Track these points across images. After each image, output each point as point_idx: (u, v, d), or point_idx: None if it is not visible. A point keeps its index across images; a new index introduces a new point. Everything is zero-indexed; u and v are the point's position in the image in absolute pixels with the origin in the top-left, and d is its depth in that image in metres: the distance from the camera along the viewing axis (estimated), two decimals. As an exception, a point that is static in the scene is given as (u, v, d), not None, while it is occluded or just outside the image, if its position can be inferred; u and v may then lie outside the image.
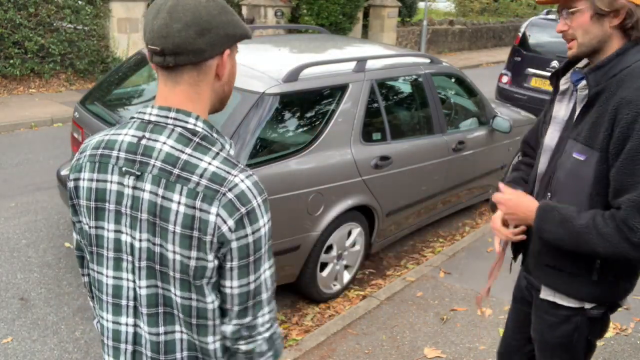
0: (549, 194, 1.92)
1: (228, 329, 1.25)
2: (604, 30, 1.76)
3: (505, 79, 9.01)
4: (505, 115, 5.24)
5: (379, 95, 4.05)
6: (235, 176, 1.19)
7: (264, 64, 3.73)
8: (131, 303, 1.29)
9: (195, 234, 1.18)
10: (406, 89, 4.56)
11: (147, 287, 1.26)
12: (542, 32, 8.80)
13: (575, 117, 1.87)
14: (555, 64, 8.41)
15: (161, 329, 1.29)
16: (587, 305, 1.93)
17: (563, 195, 1.87)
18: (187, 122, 1.23)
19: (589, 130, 1.78)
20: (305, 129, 3.64)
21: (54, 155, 6.18)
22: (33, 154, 6.21)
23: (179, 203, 1.18)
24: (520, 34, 9.01)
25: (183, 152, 1.20)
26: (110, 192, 1.24)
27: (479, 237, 4.95)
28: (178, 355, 1.30)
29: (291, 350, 3.28)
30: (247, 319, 1.24)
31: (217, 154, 1.22)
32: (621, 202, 1.69)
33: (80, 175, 1.29)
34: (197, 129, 1.23)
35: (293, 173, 3.41)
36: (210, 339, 1.28)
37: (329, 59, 4.02)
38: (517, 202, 1.92)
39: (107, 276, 1.30)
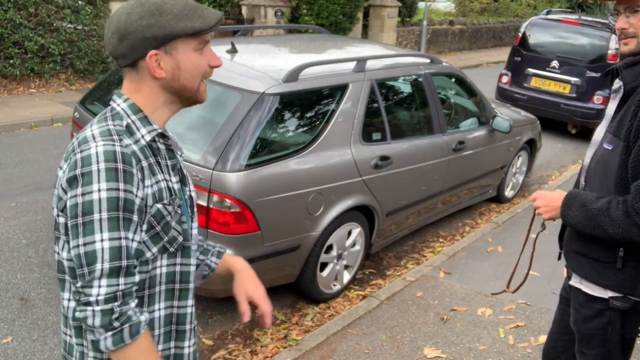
0: (583, 183, 2.05)
1: (72, 288, 1.31)
2: None
3: (505, 79, 9.01)
4: (505, 115, 5.24)
5: (379, 95, 4.05)
6: (96, 142, 1.27)
7: (264, 64, 3.73)
8: None
9: (55, 189, 1.33)
10: (406, 89, 4.56)
11: (57, 253, 1.40)
12: (542, 32, 8.80)
13: (614, 111, 1.96)
14: (555, 64, 8.42)
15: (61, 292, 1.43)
16: (610, 294, 1.96)
17: (594, 183, 1.97)
18: (115, 101, 1.38)
19: (618, 121, 1.87)
20: (305, 129, 3.64)
21: (54, 155, 6.17)
22: (33, 154, 6.20)
23: (60, 168, 1.34)
24: (520, 34, 9.01)
25: (92, 124, 1.35)
26: None
27: (479, 237, 4.95)
28: (68, 318, 1.41)
29: (291, 350, 3.28)
30: (79, 284, 1.25)
31: (106, 125, 1.32)
32: (632, 187, 1.77)
33: None
34: (117, 107, 1.36)
35: (293, 173, 3.41)
36: (65, 295, 1.39)
37: (329, 59, 4.02)
38: (549, 195, 2.07)
39: None
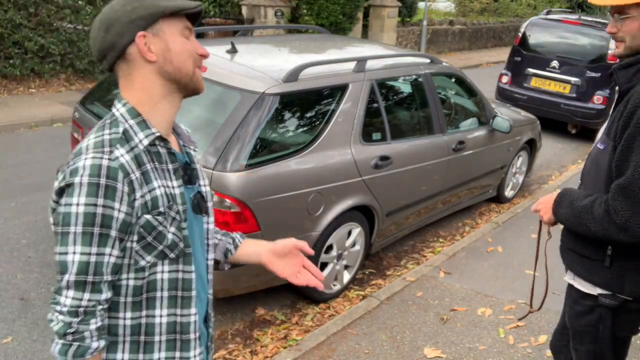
0: (579, 182, 2.11)
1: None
2: None
3: (505, 79, 9.02)
4: (505, 115, 5.24)
5: (379, 95, 4.05)
6: (86, 155, 1.28)
7: (264, 64, 3.73)
8: None
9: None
10: (406, 89, 4.56)
11: None
12: (542, 32, 8.81)
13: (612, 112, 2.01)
14: (555, 64, 8.42)
15: None
16: (599, 291, 2.00)
17: (587, 182, 2.02)
18: (115, 106, 1.39)
19: (610, 122, 1.91)
20: (305, 129, 3.64)
21: (54, 155, 6.17)
22: (33, 154, 6.20)
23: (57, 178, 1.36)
24: (520, 34, 9.01)
25: (92, 132, 1.37)
26: None
27: (479, 237, 4.95)
28: None
29: (291, 350, 3.28)
30: (54, 287, 1.31)
31: (102, 135, 1.33)
32: (612, 187, 1.81)
33: None
34: (117, 113, 1.37)
35: (293, 173, 3.41)
36: None
37: (329, 59, 4.02)
38: (547, 196, 2.12)
39: None
